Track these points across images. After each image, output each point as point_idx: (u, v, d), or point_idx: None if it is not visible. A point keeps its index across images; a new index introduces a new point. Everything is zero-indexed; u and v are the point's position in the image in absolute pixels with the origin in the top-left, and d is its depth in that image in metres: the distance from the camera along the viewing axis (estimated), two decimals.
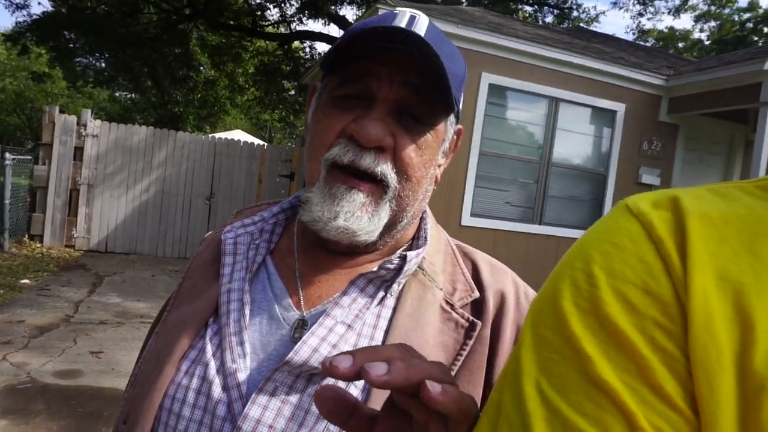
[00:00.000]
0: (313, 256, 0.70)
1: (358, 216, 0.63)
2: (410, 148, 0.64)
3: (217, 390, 0.60)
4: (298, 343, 0.60)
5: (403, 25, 0.63)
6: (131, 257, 7.94)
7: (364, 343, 0.63)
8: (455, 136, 0.73)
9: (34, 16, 12.70)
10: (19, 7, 12.26)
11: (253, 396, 0.59)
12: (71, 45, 13.93)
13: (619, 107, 6.52)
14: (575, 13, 16.93)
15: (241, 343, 0.62)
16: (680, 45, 22.72)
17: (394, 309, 0.65)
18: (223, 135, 11.00)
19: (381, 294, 0.66)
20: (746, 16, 20.89)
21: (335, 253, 0.69)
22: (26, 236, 7.61)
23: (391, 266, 0.65)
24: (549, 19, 16.96)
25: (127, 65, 14.24)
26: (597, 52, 6.67)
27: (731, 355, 0.29)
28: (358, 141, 0.62)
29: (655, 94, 6.68)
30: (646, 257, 0.33)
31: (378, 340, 0.63)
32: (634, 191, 6.65)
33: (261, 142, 11.11)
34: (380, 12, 5.66)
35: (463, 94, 0.70)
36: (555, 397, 0.32)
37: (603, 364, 0.31)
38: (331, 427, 0.59)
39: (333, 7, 14.54)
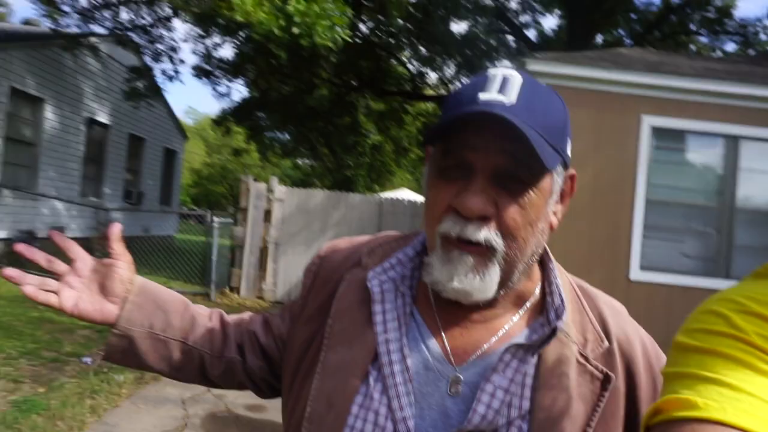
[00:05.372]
0: (447, 309, 0.75)
1: (471, 278, 0.68)
2: (513, 211, 0.67)
3: None
4: (471, 414, 0.68)
5: (495, 90, 0.67)
6: None
7: (516, 402, 0.69)
8: (569, 181, 0.75)
9: (235, 103, 15.21)
10: (223, 95, 14.85)
11: None
12: (262, 123, 16.29)
13: None
14: (763, 36, 15.08)
15: (408, 393, 0.70)
16: None
17: (537, 367, 0.71)
18: (390, 194, 11.79)
19: (528, 356, 0.71)
20: None
21: (464, 305, 0.74)
22: (227, 288, 8.91)
23: (543, 336, 0.70)
24: (731, 47, 15.34)
25: (306, 136, 16.14)
26: None
27: None
28: (461, 214, 0.67)
29: None
30: None
31: (527, 397, 0.70)
32: None
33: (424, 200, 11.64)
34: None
35: (569, 139, 0.73)
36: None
37: (760, 340, 0.45)
38: None
39: (488, 65, 15.00)
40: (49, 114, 10.60)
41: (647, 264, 5.62)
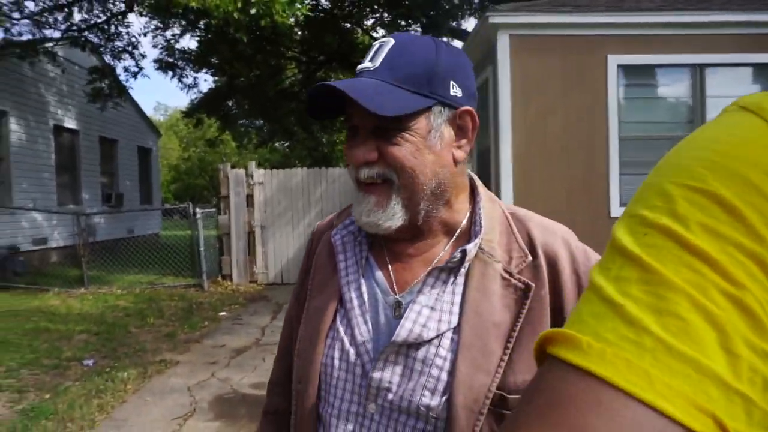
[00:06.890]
0: (392, 248, 0.90)
1: (375, 211, 0.83)
2: (393, 149, 0.80)
3: (352, 357, 0.85)
4: (398, 329, 0.81)
5: (368, 59, 0.82)
6: None
7: (445, 317, 0.81)
8: (466, 117, 0.83)
9: (202, 93, 14.96)
10: (190, 87, 14.58)
11: (375, 362, 0.83)
12: (233, 111, 16.07)
13: None
14: None
15: (366, 323, 0.86)
16: None
17: (464, 285, 0.82)
18: None
19: (452, 278, 0.83)
20: None
21: (401, 241, 0.89)
22: (219, 276, 8.93)
23: (455, 260, 0.82)
24: None
25: (279, 120, 15.96)
26: (741, 3, 6.00)
27: None
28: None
29: None
30: None
31: (455, 312, 0.81)
32: None
33: None
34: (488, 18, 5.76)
35: (453, 82, 0.81)
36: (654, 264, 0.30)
37: (704, 237, 0.29)
38: (430, 377, 0.79)
39: (454, 23, 14.84)
40: (14, 126, 10.37)
41: (627, 200, 5.72)
